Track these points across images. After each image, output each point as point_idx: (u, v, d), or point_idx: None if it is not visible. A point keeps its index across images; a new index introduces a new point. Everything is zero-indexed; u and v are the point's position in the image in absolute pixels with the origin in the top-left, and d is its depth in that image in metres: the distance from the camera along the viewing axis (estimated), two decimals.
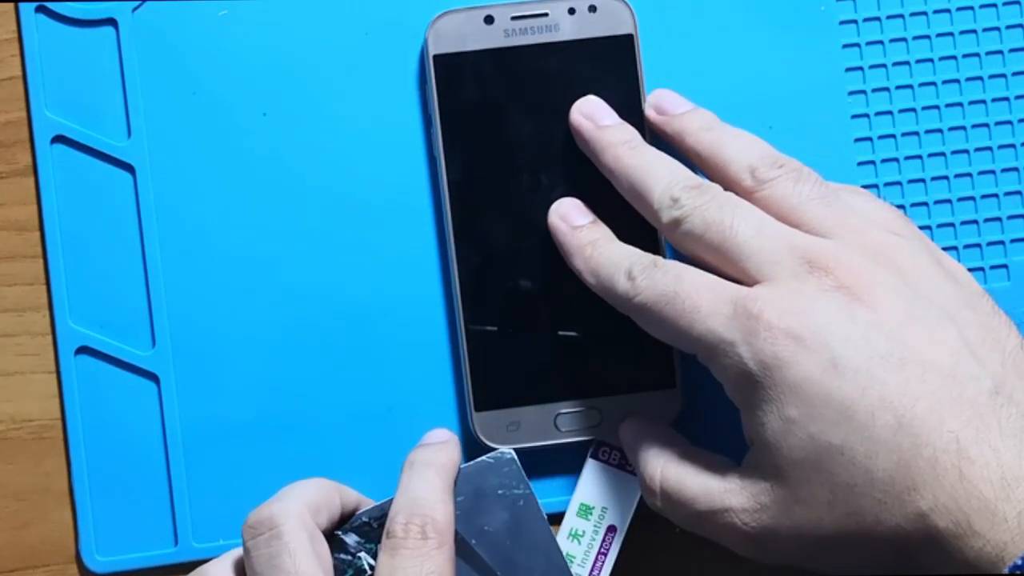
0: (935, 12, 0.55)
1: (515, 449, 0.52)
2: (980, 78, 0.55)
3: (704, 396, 0.52)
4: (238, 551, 0.48)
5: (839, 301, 0.44)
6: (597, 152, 0.50)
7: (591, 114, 0.51)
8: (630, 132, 0.50)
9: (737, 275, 0.46)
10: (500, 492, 0.49)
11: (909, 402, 0.43)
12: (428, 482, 0.48)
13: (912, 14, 0.55)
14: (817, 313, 0.44)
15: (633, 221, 0.50)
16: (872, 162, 0.55)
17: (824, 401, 0.43)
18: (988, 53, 0.55)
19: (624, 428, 0.51)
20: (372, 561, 0.48)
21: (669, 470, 0.48)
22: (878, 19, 0.55)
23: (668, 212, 0.48)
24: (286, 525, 0.46)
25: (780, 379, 0.44)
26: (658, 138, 0.52)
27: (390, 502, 0.48)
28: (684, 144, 0.50)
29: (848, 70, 0.55)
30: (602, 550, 0.52)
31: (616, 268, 0.48)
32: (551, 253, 0.51)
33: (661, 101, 0.51)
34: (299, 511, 0.46)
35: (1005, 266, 0.55)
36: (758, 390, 0.45)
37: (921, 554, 0.43)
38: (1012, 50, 0.55)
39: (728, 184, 0.48)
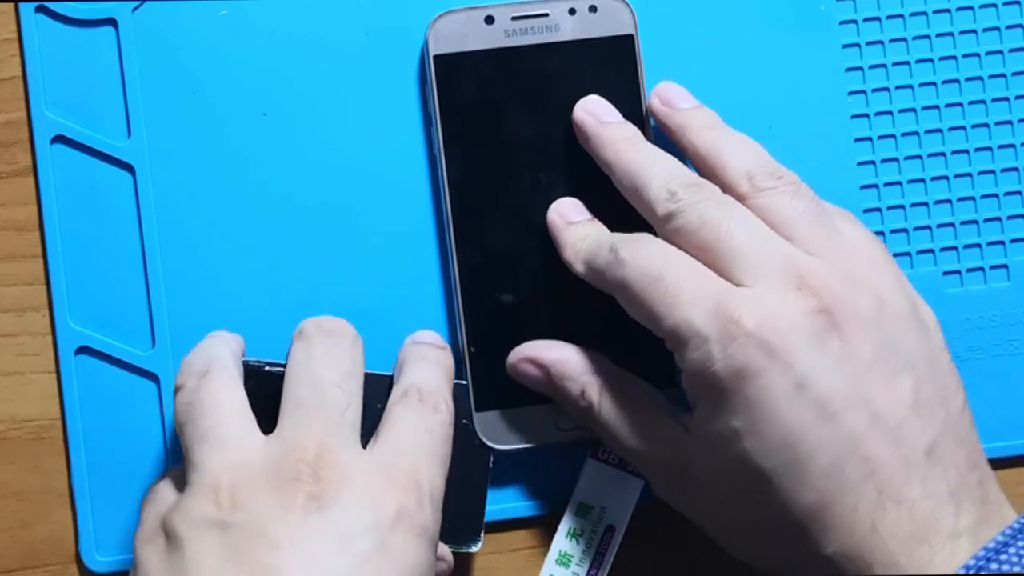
0: (935, 12, 0.55)
1: (515, 449, 0.52)
2: (980, 78, 0.55)
3: None
4: None
5: (817, 326, 0.45)
6: (598, 147, 0.50)
7: (594, 111, 0.51)
8: (632, 129, 0.51)
9: (724, 275, 0.46)
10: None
11: (849, 449, 0.44)
12: (439, 375, 0.50)
13: (912, 14, 0.55)
14: (795, 333, 0.44)
15: (631, 222, 0.50)
16: (872, 162, 0.55)
17: (773, 423, 0.44)
18: (988, 53, 0.55)
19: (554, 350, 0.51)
20: None
21: (606, 398, 0.49)
22: (878, 19, 0.55)
23: (664, 205, 0.48)
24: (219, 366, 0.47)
25: (741, 388, 0.44)
26: (658, 134, 0.52)
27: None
28: (684, 139, 0.50)
29: (848, 70, 0.55)
30: (600, 549, 0.52)
31: (600, 246, 0.49)
32: (551, 253, 0.51)
33: (667, 93, 0.51)
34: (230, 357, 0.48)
35: (1005, 266, 0.55)
36: (716, 391, 0.45)
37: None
38: (1012, 50, 0.55)
39: (724, 186, 0.48)
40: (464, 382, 0.52)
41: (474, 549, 0.51)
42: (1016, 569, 0.43)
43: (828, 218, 0.48)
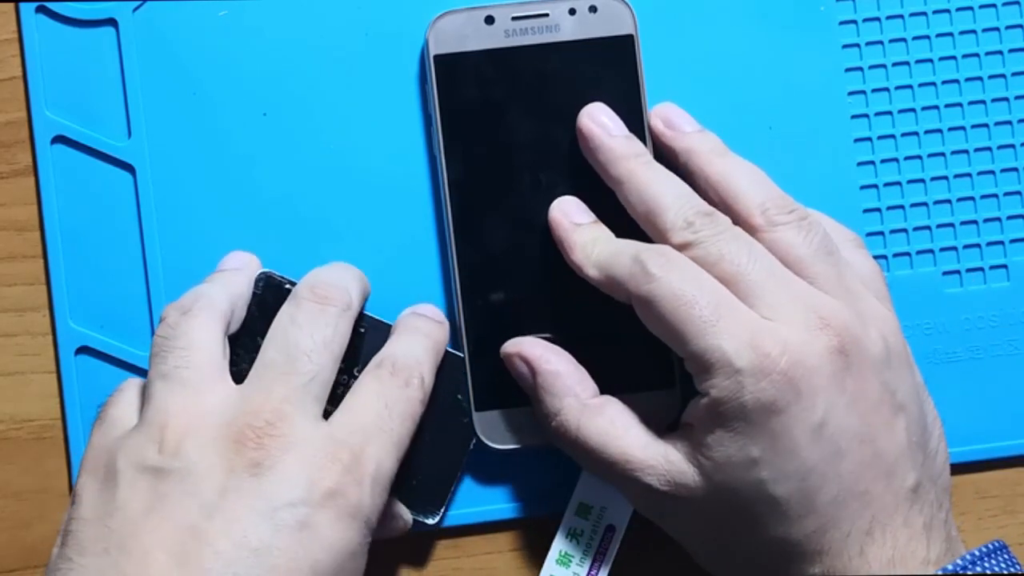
0: (935, 12, 0.55)
1: (515, 449, 0.52)
2: (980, 78, 0.55)
3: None
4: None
5: (838, 365, 0.46)
6: (607, 161, 0.50)
7: (601, 123, 0.51)
8: (640, 146, 0.51)
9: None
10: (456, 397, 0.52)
11: (853, 482, 0.46)
12: (424, 348, 0.50)
13: (912, 14, 0.55)
14: (821, 374, 0.46)
15: (632, 225, 0.50)
16: (872, 162, 0.55)
17: (790, 456, 0.46)
18: (988, 53, 0.55)
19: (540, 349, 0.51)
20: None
21: (586, 416, 0.49)
22: (878, 19, 0.55)
23: (681, 234, 0.48)
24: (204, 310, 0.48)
25: (766, 421, 0.46)
26: (659, 151, 0.52)
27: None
28: (692, 163, 0.50)
29: (848, 70, 0.55)
30: (601, 549, 0.52)
31: (620, 255, 0.49)
32: (551, 252, 0.51)
33: (670, 115, 0.52)
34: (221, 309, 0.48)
35: (1005, 266, 0.55)
36: (739, 420, 0.46)
37: None
38: (1012, 50, 0.55)
39: (735, 216, 0.49)
40: (461, 354, 0.52)
41: (431, 521, 0.52)
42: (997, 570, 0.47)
43: (839, 254, 0.49)
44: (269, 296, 0.50)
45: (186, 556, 0.42)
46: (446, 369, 0.51)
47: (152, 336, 0.48)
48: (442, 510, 0.52)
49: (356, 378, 0.49)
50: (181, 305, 0.48)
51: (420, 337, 0.50)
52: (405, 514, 0.51)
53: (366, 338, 0.51)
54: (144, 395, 0.47)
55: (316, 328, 0.47)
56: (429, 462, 0.51)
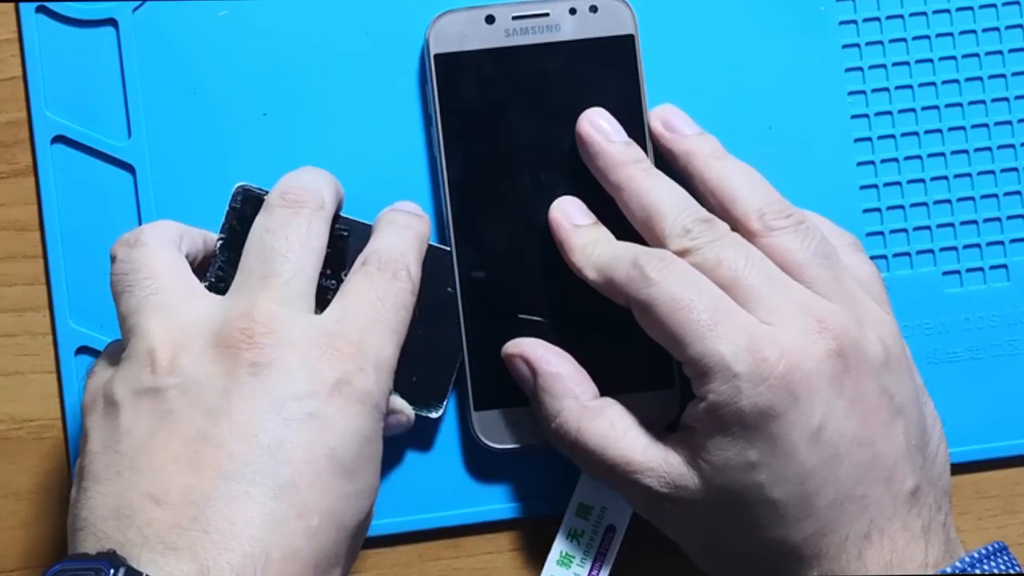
0: (935, 12, 0.55)
1: (515, 448, 0.52)
2: (980, 78, 0.55)
3: None
4: None
5: (836, 369, 0.46)
6: (607, 167, 0.50)
7: (601, 128, 0.51)
8: (639, 152, 0.51)
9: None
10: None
11: (851, 485, 0.46)
12: (408, 241, 0.49)
13: (912, 14, 0.55)
14: (818, 376, 0.46)
15: (631, 226, 0.50)
16: (872, 162, 0.55)
17: (789, 459, 0.46)
18: (988, 53, 0.55)
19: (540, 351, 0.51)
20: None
21: (586, 418, 0.49)
22: (878, 19, 0.55)
23: (679, 241, 0.48)
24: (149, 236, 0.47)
25: (764, 425, 0.46)
26: (658, 156, 0.52)
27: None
28: (691, 166, 0.51)
29: (848, 70, 0.55)
30: (601, 550, 0.52)
31: (619, 258, 0.49)
32: (551, 252, 0.51)
33: (670, 117, 0.52)
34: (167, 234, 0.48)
35: (1005, 266, 0.55)
36: (738, 424, 0.46)
37: None
38: (1012, 50, 0.55)
39: (732, 220, 0.49)
40: (447, 248, 0.52)
41: (434, 415, 0.52)
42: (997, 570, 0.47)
43: (837, 258, 0.49)
44: (248, 209, 0.50)
45: (200, 463, 0.42)
46: (433, 264, 0.51)
47: (111, 281, 0.47)
48: (444, 403, 0.52)
49: (338, 292, 0.48)
50: (126, 240, 0.47)
51: (402, 230, 0.50)
52: (407, 409, 0.51)
53: (350, 241, 0.51)
54: (124, 333, 0.46)
55: (290, 230, 0.47)
56: (427, 358, 0.51)
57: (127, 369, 0.45)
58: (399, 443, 0.53)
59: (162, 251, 0.47)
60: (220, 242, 0.50)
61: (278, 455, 0.42)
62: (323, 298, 0.47)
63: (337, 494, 0.43)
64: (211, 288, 0.49)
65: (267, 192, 0.49)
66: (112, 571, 0.40)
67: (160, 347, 0.44)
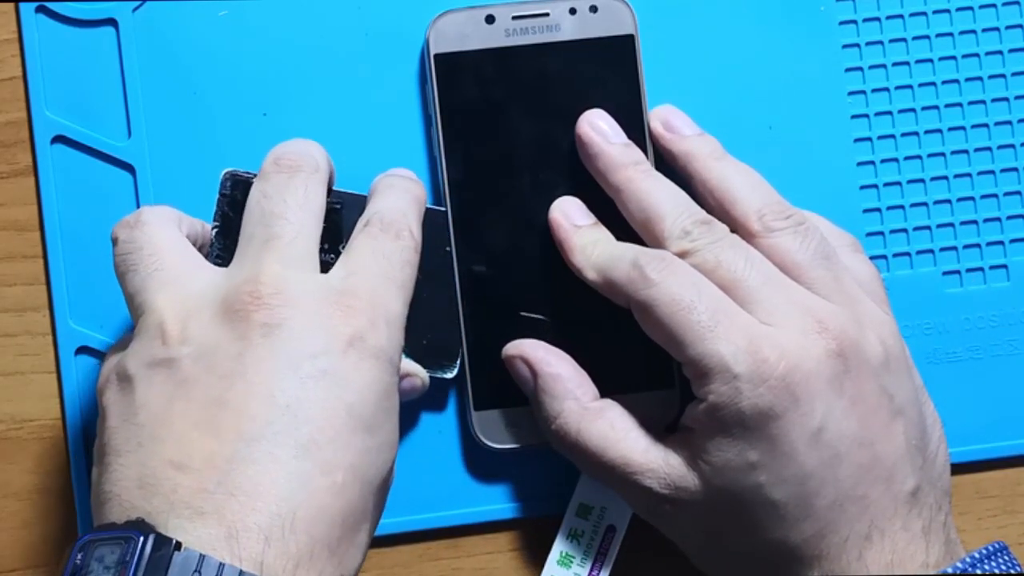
0: (935, 12, 0.55)
1: (515, 448, 0.52)
2: (980, 78, 0.55)
3: None
4: None
5: (836, 369, 0.46)
6: (606, 169, 0.50)
7: (600, 130, 0.51)
8: (638, 153, 0.51)
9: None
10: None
11: (851, 486, 0.46)
12: (407, 202, 0.49)
13: (912, 14, 0.55)
14: (818, 377, 0.46)
15: (631, 226, 0.50)
16: (872, 162, 0.55)
17: (788, 460, 0.46)
18: (988, 53, 0.55)
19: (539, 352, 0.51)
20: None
21: (586, 420, 0.49)
22: (878, 19, 0.55)
23: (678, 243, 0.48)
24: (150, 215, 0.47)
25: (764, 426, 0.46)
26: (658, 156, 0.52)
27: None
28: (690, 167, 0.51)
29: (848, 70, 0.55)
30: (601, 550, 0.52)
31: (619, 259, 0.49)
32: (551, 252, 0.51)
33: (670, 118, 0.52)
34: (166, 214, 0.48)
35: (1005, 266, 0.55)
36: (737, 425, 0.46)
37: None
38: (1012, 50, 0.55)
39: (732, 221, 0.49)
40: (443, 208, 0.52)
41: (449, 375, 0.52)
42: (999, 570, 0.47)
43: (837, 259, 0.49)
44: (238, 194, 0.50)
45: (219, 427, 0.42)
46: (430, 226, 0.51)
47: (114, 263, 0.47)
48: (458, 362, 0.52)
49: (341, 255, 0.48)
50: (127, 221, 0.47)
51: (400, 192, 0.50)
52: (421, 373, 0.51)
53: (343, 213, 0.50)
54: (132, 312, 0.46)
55: (288, 194, 0.47)
56: (434, 319, 0.51)
57: (138, 345, 0.45)
58: (403, 445, 0.53)
59: (163, 229, 0.47)
60: (215, 230, 0.50)
61: (298, 414, 0.42)
62: (323, 272, 0.47)
63: (359, 449, 0.43)
64: None
65: (255, 175, 0.49)
66: (141, 538, 0.39)
67: (169, 319, 0.44)
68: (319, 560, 0.41)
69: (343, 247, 0.49)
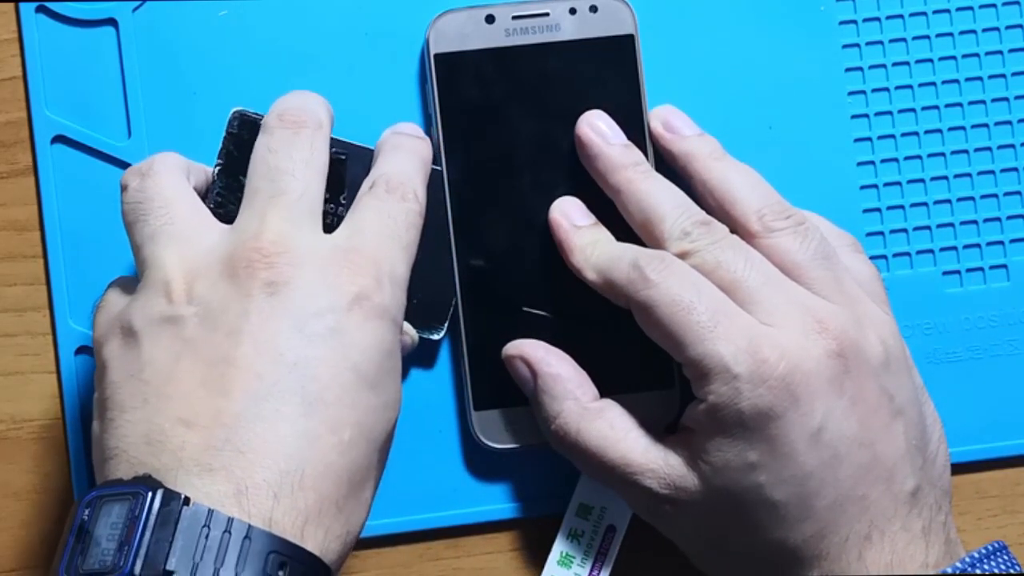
0: (935, 12, 0.55)
1: (515, 448, 0.52)
2: (979, 78, 0.55)
3: None
4: None
5: (836, 369, 0.46)
6: (606, 170, 0.50)
7: (601, 130, 0.51)
8: (638, 154, 0.51)
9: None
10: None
11: (851, 486, 0.46)
12: (413, 165, 0.49)
13: (912, 14, 0.55)
14: (818, 377, 0.46)
15: (631, 227, 0.50)
16: (872, 162, 0.55)
17: (788, 460, 0.46)
18: (988, 53, 0.55)
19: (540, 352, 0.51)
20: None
21: (586, 420, 0.49)
22: (878, 19, 0.55)
23: (678, 243, 0.48)
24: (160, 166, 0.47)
25: (763, 427, 0.46)
26: (658, 156, 0.52)
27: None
28: (690, 167, 0.51)
29: (848, 70, 0.55)
30: (602, 550, 0.52)
31: (619, 260, 0.49)
32: (551, 252, 0.51)
33: (670, 118, 0.52)
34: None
35: (1005, 266, 0.55)
36: (737, 425, 0.46)
37: None
38: (1012, 50, 0.55)
39: (732, 221, 0.49)
40: (438, 167, 0.52)
41: (436, 336, 0.52)
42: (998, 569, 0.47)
43: (836, 259, 0.49)
44: (245, 133, 0.50)
45: (227, 385, 0.42)
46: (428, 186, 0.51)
47: (122, 210, 0.47)
48: (446, 324, 0.52)
49: (344, 206, 0.48)
50: (138, 170, 0.47)
51: (407, 154, 0.50)
52: (411, 331, 0.51)
53: (347, 165, 0.50)
54: (137, 263, 0.46)
55: (294, 150, 0.47)
56: (425, 280, 0.51)
57: (143, 299, 0.44)
58: (402, 444, 0.53)
59: (174, 180, 0.47)
60: (218, 167, 0.50)
61: (305, 372, 0.42)
62: (325, 225, 0.47)
63: (365, 407, 0.43)
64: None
65: (263, 116, 0.49)
66: (150, 494, 0.39)
67: (176, 277, 0.44)
68: (327, 516, 0.41)
69: (344, 198, 0.49)
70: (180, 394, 0.42)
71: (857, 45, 0.55)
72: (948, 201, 0.55)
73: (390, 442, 0.46)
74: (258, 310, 0.43)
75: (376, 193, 0.47)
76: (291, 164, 0.46)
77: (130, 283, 0.47)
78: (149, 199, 0.46)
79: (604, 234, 0.51)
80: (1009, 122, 0.55)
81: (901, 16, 0.55)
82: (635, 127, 0.52)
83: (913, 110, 0.55)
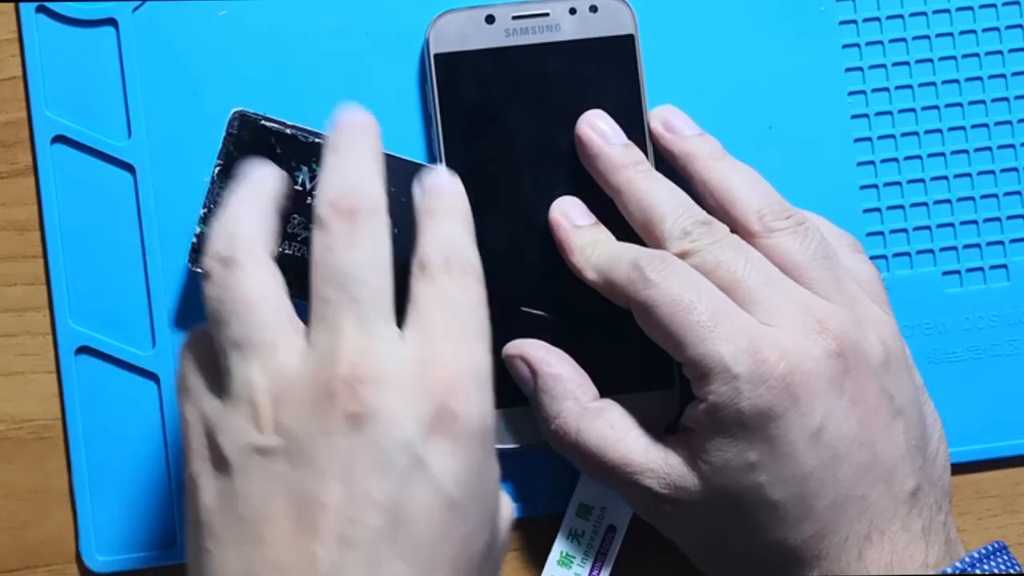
0: (935, 12, 0.55)
1: (515, 448, 0.52)
2: (980, 78, 0.55)
3: None
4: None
5: (835, 369, 0.46)
6: (606, 170, 0.50)
7: (601, 130, 0.51)
8: (638, 154, 0.51)
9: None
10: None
11: (851, 486, 0.46)
12: (457, 228, 0.45)
13: (912, 14, 0.55)
14: (818, 377, 0.46)
15: (631, 227, 0.50)
16: (872, 162, 0.55)
17: (788, 460, 0.46)
18: (988, 53, 0.55)
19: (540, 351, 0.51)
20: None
21: (586, 420, 0.49)
22: (878, 19, 0.55)
23: (678, 243, 0.48)
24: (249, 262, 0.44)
25: (763, 427, 0.46)
26: (658, 156, 0.52)
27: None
28: (691, 167, 0.51)
29: (848, 70, 0.55)
30: (602, 550, 0.52)
31: (619, 260, 0.49)
32: (551, 252, 0.51)
33: (670, 118, 0.52)
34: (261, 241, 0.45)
35: (1005, 266, 0.55)
36: (737, 426, 0.46)
37: None
38: (1012, 50, 0.55)
39: (732, 221, 0.49)
40: (405, 158, 0.51)
41: None
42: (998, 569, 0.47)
43: (837, 259, 0.49)
44: (245, 134, 0.49)
45: (319, 530, 0.40)
46: (401, 175, 0.50)
47: (204, 300, 0.44)
48: None
49: (408, 312, 0.45)
50: (219, 255, 0.44)
51: (446, 218, 0.46)
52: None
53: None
54: (221, 362, 0.44)
55: (355, 250, 0.43)
56: (404, 272, 0.50)
57: (231, 420, 0.42)
58: None
59: (258, 273, 0.43)
60: (217, 168, 0.50)
61: (397, 514, 0.41)
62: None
63: (457, 539, 0.42)
64: (203, 220, 0.48)
65: (264, 117, 0.48)
66: None
67: (263, 401, 0.42)
68: None
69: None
70: (275, 538, 0.41)
71: (857, 45, 0.55)
72: (948, 201, 0.55)
73: (496, 550, 0.44)
74: (345, 448, 0.41)
75: (430, 278, 0.44)
76: (355, 268, 0.43)
77: (209, 355, 0.44)
78: (233, 299, 0.43)
79: (604, 234, 0.51)
80: (1009, 122, 0.55)
81: (901, 16, 0.55)
82: (635, 127, 0.52)
83: (913, 110, 0.55)
